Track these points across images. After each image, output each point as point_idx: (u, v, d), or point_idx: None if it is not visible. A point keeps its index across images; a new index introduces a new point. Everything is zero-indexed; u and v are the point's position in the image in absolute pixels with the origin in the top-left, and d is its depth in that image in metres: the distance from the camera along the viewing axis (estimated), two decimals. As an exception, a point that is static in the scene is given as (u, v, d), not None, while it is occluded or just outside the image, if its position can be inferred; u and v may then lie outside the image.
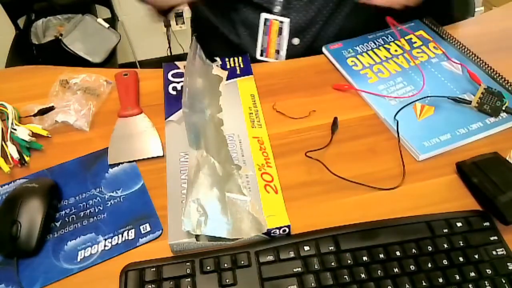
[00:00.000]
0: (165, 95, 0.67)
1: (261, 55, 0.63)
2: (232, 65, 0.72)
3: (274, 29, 0.59)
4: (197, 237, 0.49)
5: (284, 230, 0.51)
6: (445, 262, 0.48)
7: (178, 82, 0.69)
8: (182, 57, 2.08)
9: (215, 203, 0.52)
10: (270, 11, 0.70)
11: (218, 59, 0.72)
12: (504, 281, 0.46)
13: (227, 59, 0.73)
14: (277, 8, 0.70)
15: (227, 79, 0.69)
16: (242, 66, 0.72)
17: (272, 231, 0.50)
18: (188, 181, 0.53)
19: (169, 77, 0.70)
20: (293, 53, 0.80)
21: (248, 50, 0.73)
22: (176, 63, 0.72)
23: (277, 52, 0.61)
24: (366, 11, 0.80)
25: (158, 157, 0.60)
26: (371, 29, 0.77)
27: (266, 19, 0.71)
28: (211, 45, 0.69)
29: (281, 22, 0.59)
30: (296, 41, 0.78)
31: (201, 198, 0.52)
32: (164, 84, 0.69)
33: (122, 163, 0.59)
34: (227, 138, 0.60)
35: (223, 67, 0.72)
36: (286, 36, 0.60)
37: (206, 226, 0.49)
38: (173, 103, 0.66)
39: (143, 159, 0.60)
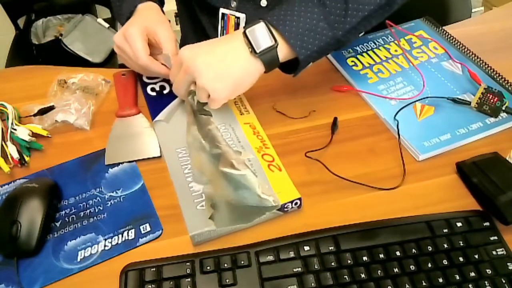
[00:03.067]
0: (145, 98, 0.67)
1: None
2: None
3: (231, 23, 0.60)
4: (216, 224, 0.50)
5: (296, 203, 0.52)
6: (445, 262, 0.48)
7: (155, 83, 0.69)
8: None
9: (223, 190, 0.52)
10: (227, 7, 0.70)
11: None
12: (504, 281, 0.46)
13: None
14: (233, 4, 0.70)
15: None
16: None
17: (285, 206, 0.52)
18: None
19: (145, 79, 0.70)
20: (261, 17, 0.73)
21: None
22: None
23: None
24: None
25: (156, 157, 0.60)
26: None
27: (223, 14, 0.71)
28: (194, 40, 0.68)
29: (237, 17, 0.59)
30: (264, 2, 0.72)
31: (211, 186, 0.53)
32: (142, 87, 0.69)
33: (121, 163, 0.59)
34: (220, 128, 0.60)
35: None
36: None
37: (222, 212, 0.50)
38: (155, 103, 0.66)
39: (143, 159, 0.60)
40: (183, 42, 0.99)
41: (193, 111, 0.61)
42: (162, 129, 0.62)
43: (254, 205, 0.51)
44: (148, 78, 0.70)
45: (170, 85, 0.68)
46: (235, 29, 0.62)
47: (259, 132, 0.61)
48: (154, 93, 0.68)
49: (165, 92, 0.68)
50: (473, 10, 1.99)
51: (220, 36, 0.69)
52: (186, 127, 0.59)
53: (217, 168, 0.54)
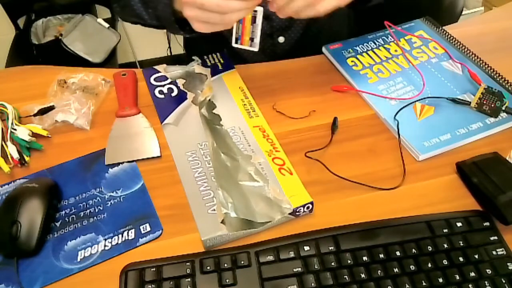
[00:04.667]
0: (153, 100, 0.67)
1: (236, 42, 0.63)
2: (212, 62, 0.73)
3: (248, 17, 0.60)
4: (228, 228, 0.50)
5: (308, 207, 0.52)
6: (445, 262, 0.48)
7: (163, 86, 0.69)
8: (182, 57, 2.08)
9: (235, 193, 0.53)
10: None
11: (196, 58, 0.73)
12: (504, 281, 0.46)
13: (205, 57, 0.73)
14: None
15: (211, 76, 0.70)
16: (222, 61, 0.73)
17: (297, 210, 0.52)
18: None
19: (152, 81, 0.70)
20: (279, 51, 0.82)
21: (227, 38, 0.73)
22: (156, 67, 0.72)
23: (251, 39, 0.62)
24: (348, 12, 0.80)
25: (156, 157, 0.60)
26: (363, 27, 0.78)
27: None
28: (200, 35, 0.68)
29: (255, 10, 0.60)
30: (281, 39, 0.81)
31: (223, 188, 0.53)
32: (149, 89, 0.69)
33: (121, 163, 0.59)
34: (230, 131, 0.61)
35: (204, 65, 0.72)
36: (260, 24, 0.61)
37: (235, 212, 0.51)
38: (164, 106, 0.66)
39: (143, 159, 0.60)
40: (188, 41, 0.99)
41: (207, 122, 0.61)
42: (171, 132, 0.62)
43: (267, 210, 0.52)
44: (156, 80, 0.70)
45: (178, 88, 0.69)
46: (251, 23, 0.63)
47: (269, 135, 0.61)
48: (162, 96, 0.68)
49: (173, 94, 0.68)
50: (473, 10, 1.99)
51: (236, 27, 0.69)
52: (207, 141, 0.59)
53: (235, 180, 0.55)
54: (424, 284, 0.46)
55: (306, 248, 0.49)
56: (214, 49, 0.75)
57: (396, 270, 0.47)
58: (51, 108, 0.65)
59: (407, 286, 0.46)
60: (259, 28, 0.61)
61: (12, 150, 0.59)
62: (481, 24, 0.83)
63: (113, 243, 0.51)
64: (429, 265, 0.48)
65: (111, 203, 0.55)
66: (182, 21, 0.61)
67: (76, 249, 0.51)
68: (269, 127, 0.62)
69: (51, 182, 0.56)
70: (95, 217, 0.54)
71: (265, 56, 0.82)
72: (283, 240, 0.50)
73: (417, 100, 0.65)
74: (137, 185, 0.57)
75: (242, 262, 0.48)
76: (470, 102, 0.64)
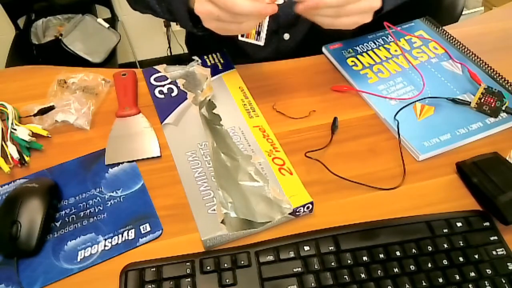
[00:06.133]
0: (153, 100, 0.67)
1: (242, 35, 0.63)
2: (212, 61, 0.73)
3: None
4: (228, 228, 0.50)
5: (308, 207, 0.52)
6: (445, 262, 0.48)
7: (163, 86, 0.69)
8: (182, 57, 2.09)
9: (235, 193, 0.54)
10: None
11: (196, 57, 0.73)
12: (504, 281, 0.47)
13: (205, 57, 0.73)
14: None
15: (211, 76, 0.70)
16: (222, 61, 0.73)
17: (297, 210, 0.52)
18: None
19: (152, 81, 0.70)
20: (284, 48, 0.82)
21: None
22: (156, 67, 0.72)
23: (258, 33, 0.62)
24: None
25: (156, 157, 0.60)
26: (363, 27, 0.78)
27: None
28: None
29: None
30: (286, 36, 0.81)
31: (223, 188, 0.53)
32: (149, 89, 0.69)
33: (121, 163, 0.60)
34: (230, 131, 0.61)
35: (204, 65, 0.72)
36: (267, 19, 0.61)
37: (235, 212, 0.51)
38: (164, 106, 0.66)
39: (143, 159, 0.60)
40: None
41: (207, 122, 0.62)
42: (171, 132, 0.62)
43: (267, 210, 0.52)
44: (156, 80, 0.70)
45: (178, 88, 0.69)
46: None
47: (269, 135, 0.61)
48: (162, 96, 0.68)
49: (173, 94, 0.68)
50: (473, 10, 1.99)
51: None
52: (207, 141, 0.59)
53: (235, 180, 0.55)
54: (424, 284, 0.46)
55: (306, 248, 0.49)
56: (216, 43, 0.75)
57: (396, 270, 0.47)
58: (51, 108, 0.65)
59: (407, 286, 0.46)
60: (266, 22, 0.61)
61: (12, 150, 0.59)
62: (481, 24, 0.83)
63: (113, 243, 0.51)
64: (429, 265, 0.48)
65: (111, 203, 0.55)
66: (196, 18, 0.61)
67: (76, 249, 0.51)
68: (269, 127, 0.62)
69: (51, 182, 0.56)
70: (95, 217, 0.54)
71: (269, 52, 0.81)
72: (283, 240, 0.50)
73: (417, 100, 0.65)
74: (137, 185, 0.57)
75: (242, 262, 0.48)
76: (470, 102, 0.64)
